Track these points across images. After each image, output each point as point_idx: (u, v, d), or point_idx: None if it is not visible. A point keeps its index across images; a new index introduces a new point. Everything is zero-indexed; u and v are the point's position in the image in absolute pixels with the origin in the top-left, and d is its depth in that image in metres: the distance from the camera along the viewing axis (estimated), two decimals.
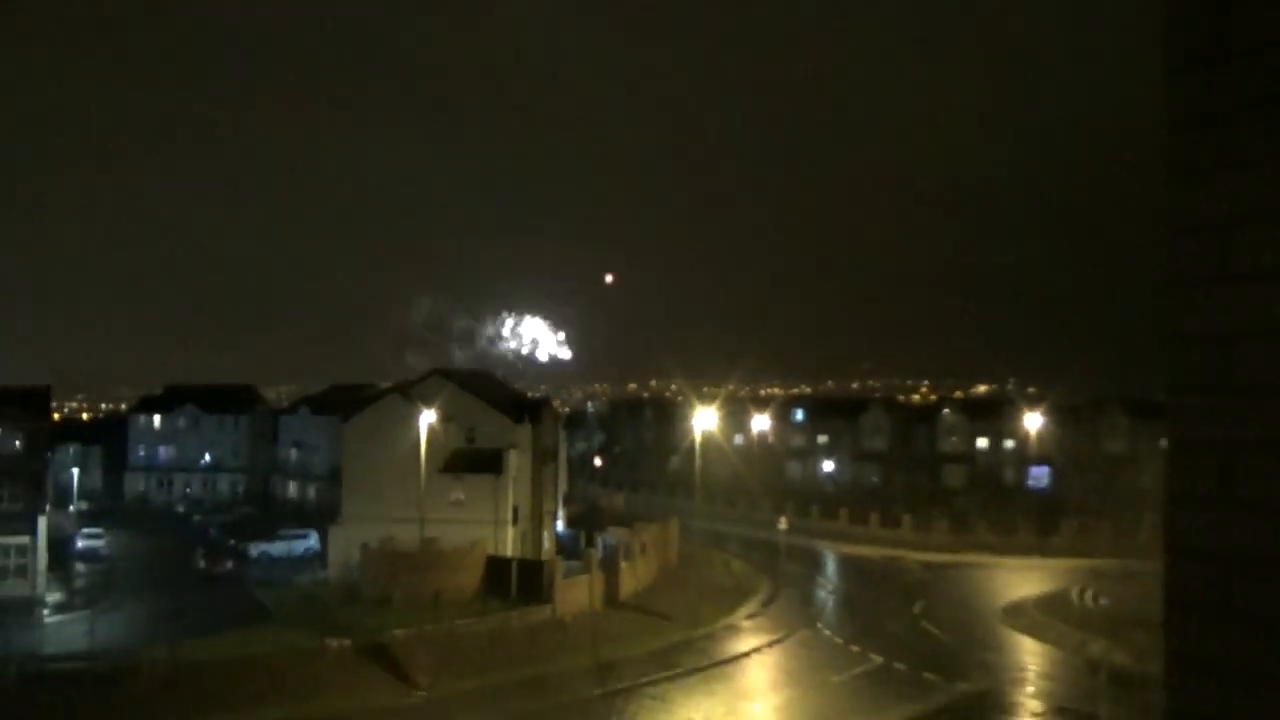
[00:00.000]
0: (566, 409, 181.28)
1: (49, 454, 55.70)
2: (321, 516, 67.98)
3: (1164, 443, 1.63)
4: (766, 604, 50.36)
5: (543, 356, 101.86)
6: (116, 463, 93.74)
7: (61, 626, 42.54)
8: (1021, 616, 47.44)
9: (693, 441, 57.27)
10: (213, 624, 40.61)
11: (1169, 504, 1.58)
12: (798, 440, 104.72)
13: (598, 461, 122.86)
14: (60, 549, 54.59)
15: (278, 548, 60.97)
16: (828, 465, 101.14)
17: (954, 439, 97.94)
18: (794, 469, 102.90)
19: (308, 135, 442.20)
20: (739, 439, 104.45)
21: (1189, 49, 1.62)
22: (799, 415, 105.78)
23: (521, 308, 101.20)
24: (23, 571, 49.04)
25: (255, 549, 60.32)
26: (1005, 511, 74.07)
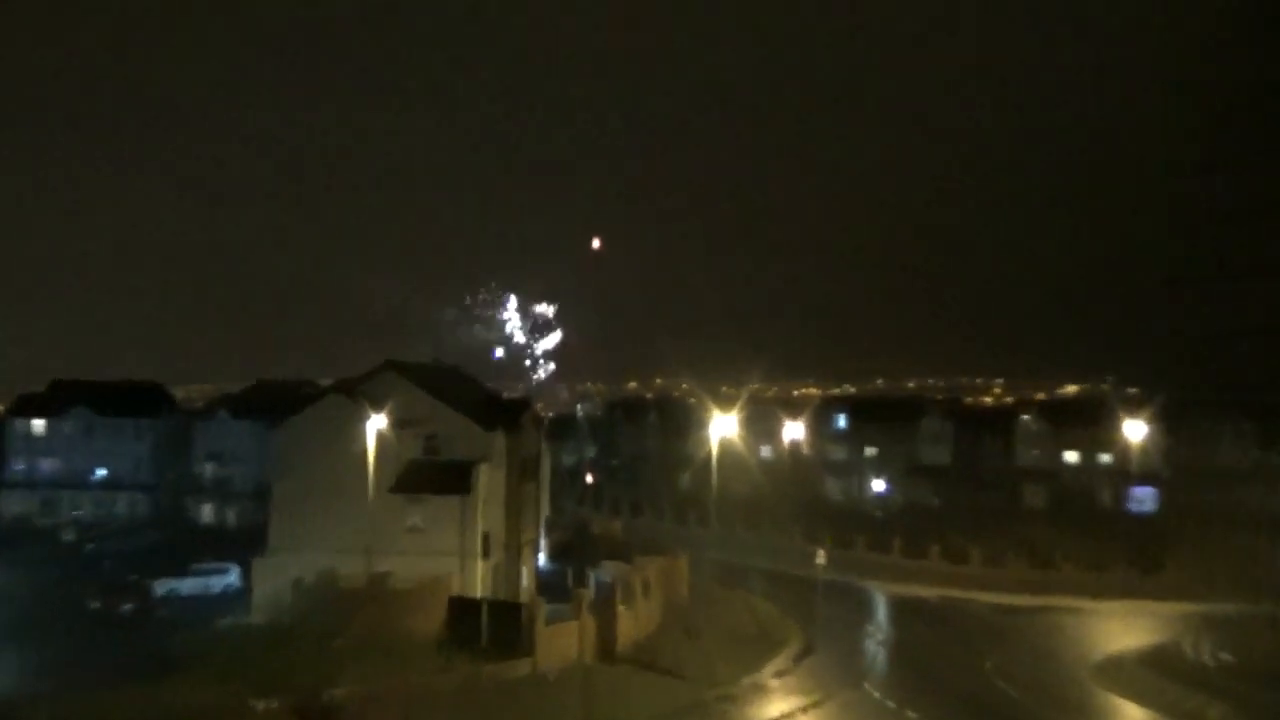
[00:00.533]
0: (551, 413, 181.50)
1: None
2: (245, 545, 67.72)
3: None
4: (800, 658, 50.25)
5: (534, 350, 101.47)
6: None
7: None
8: (1120, 674, 47.29)
9: (708, 453, 57.09)
10: (109, 677, 40.38)
11: None
12: (838, 452, 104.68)
13: (589, 478, 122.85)
14: None
15: (191, 584, 60.95)
16: (876, 484, 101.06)
17: (1035, 451, 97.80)
18: (834, 488, 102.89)
19: (226, 92, 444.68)
20: (765, 450, 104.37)
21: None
22: (840, 421, 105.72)
23: (502, 290, 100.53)
24: None
25: (163, 585, 60.23)
26: (1100, 542, 73.89)
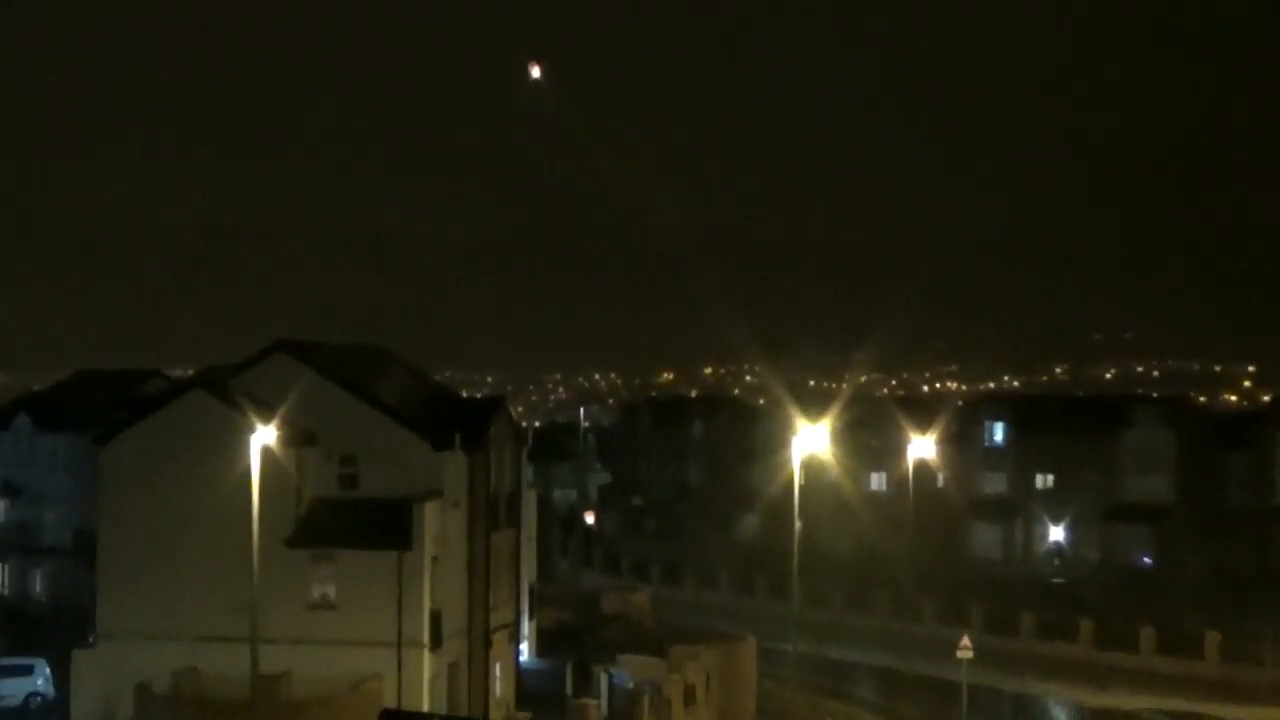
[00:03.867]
0: (536, 422, 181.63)
1: None
2: (60, 630, 67.94)
3: None
4: None
5: None
6: None
7: None
8: None
9: (788, 485, 57.03)
10: None
11: None
12: (994, 482, 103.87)
13: (591, 519, 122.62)
14: None
15: None
16: (1054, 532, 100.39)
17: None
18: (986, 539, 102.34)
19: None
20: (877, 480, 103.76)
21: None
22: (996, 433, 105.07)
23: None
24: None
25: None
26: None
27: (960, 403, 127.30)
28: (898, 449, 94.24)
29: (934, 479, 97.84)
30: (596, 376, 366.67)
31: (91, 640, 53.86)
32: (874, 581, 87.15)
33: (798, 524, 55.51)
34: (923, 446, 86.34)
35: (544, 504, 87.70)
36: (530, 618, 64.32)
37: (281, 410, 50.32)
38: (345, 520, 52.22)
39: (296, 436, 51.73)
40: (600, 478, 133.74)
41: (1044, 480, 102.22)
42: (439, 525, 52.81)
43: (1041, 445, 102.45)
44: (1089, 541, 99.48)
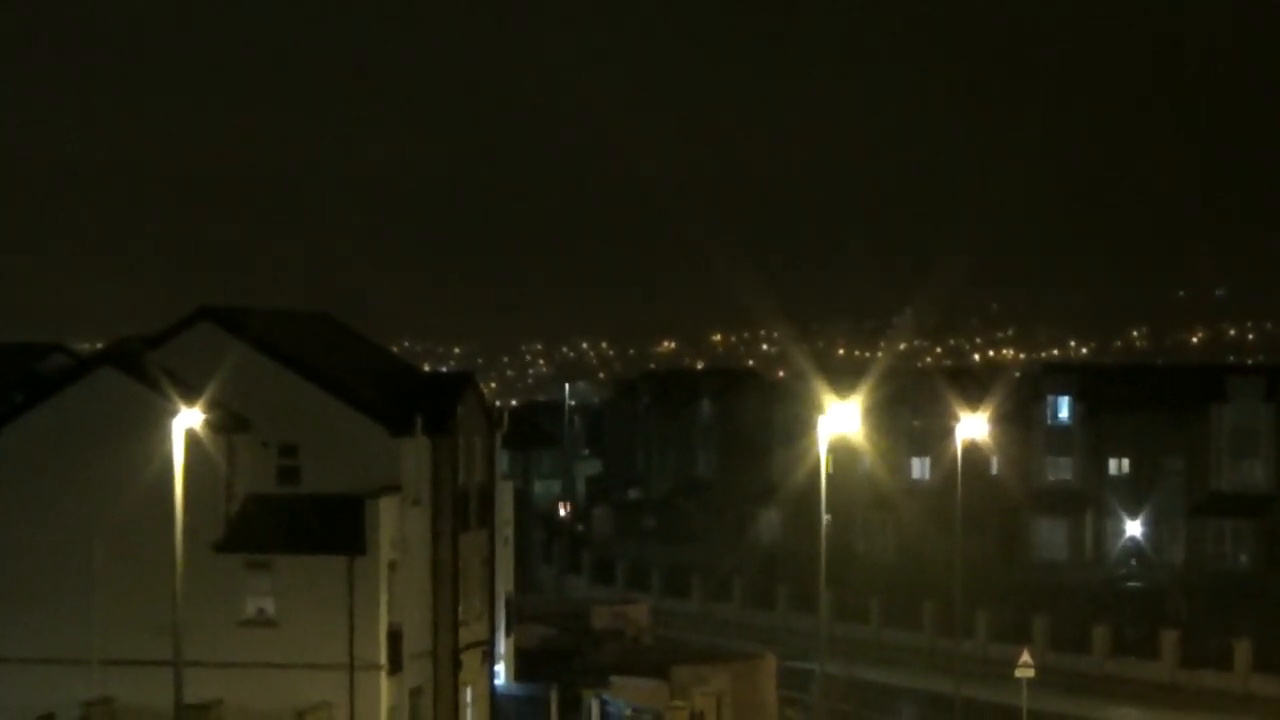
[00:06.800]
0: (513, 401, 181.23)
1: None
2: None
3: None
4: None
5: None
6: None
7: None
8: None
9: (816, 471, 57.10)
10: None
11: None
12: (1059, 469, 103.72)
13: (564, 511, 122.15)
14: None
15: None
16: (1130, 527, 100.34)
17: None
18: (1049, 536, 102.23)
19: None
20: (919, 467, 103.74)
21: None
22: (1061, 410, 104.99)
23: None
24: None
25: None
26: None
27: (1018, 374, 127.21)
28: (944, 430, 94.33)
29: (987, 465, 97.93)
30: (584, 346, 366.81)
31: None
32: (917, 589, 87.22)
33: (825, 520, 55.39)
34: (974, 426, 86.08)
35: (523, 499, 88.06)
36: (507, 635, 64.30)
37: (208, 390, 50.14)
38: (285, 520, 52.39)
39: (226, 421, 51.76)
40: (589, 467, 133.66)
41: (1119, 466, 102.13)
42: (397, 525, 52.92)
43: (1116, 424, 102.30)
44: (1173, 539, 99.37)
